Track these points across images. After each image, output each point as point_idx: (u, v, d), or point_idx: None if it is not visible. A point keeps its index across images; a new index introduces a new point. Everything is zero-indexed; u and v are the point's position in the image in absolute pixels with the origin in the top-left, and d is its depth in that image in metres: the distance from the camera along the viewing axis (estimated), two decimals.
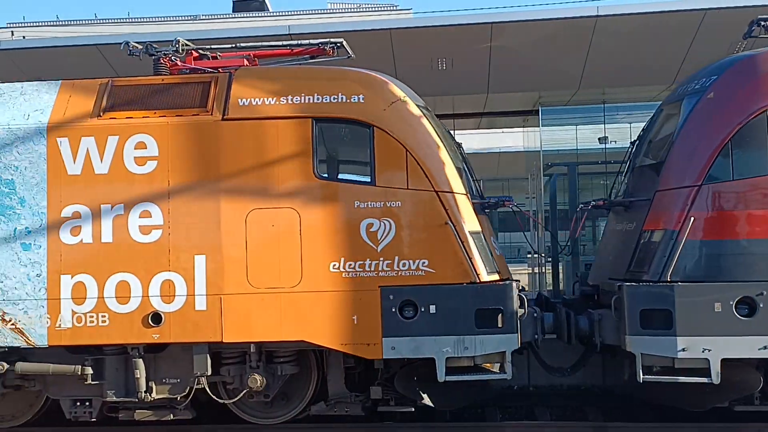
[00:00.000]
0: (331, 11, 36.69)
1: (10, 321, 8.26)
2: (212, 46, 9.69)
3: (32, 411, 9.06)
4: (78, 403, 8.67)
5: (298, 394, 8.84)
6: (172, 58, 9.29)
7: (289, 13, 35.54)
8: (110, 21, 34.61)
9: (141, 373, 8.33)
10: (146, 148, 8.33)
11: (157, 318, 8.16)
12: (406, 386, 8.44)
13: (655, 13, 15.36)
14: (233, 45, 9.74)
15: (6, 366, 8.38)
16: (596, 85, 16.20)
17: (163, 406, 8.65)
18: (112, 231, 8.28)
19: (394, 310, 8.02)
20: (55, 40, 19.72)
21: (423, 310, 8.00)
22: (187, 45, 9.45)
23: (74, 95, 8.67)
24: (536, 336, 8.43)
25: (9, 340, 8.27)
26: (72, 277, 8.25)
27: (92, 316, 8.21)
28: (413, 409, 8.66)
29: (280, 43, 9.89)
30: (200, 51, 9.57)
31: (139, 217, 8.27)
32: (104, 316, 8.20)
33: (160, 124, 8.36)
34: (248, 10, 37.67)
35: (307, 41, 9.75)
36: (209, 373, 8.33)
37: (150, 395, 8.42)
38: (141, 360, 8.34)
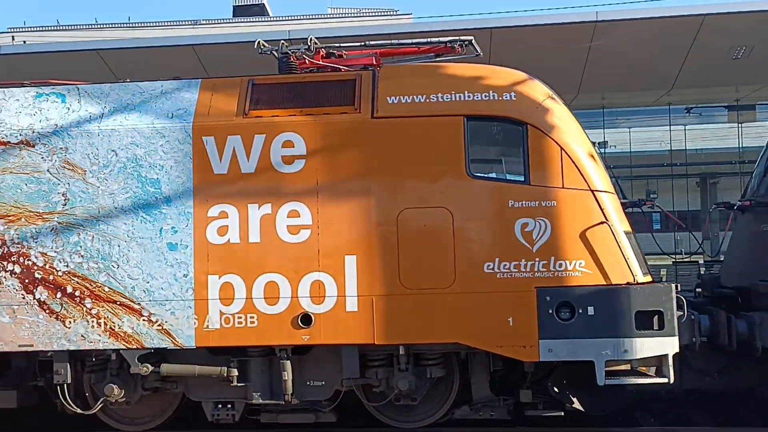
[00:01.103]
0: (332, 16, 36.59)
1: (156, 322, 8.17)
2: (341, 45, 9.58)
3: (167, 414, 8.96)
4: (220, 406, 8.56)
5: (437, 398, 8.67)
6: (303, 56, 9.21)
7: (290, 18, 35.46)
8: (110, 26, 34.74)
9: (288, 375, 8.21)
10: (294, 146, 8.22)
11: (306, 319, 8.03)
12: (559, 389, 8.26)
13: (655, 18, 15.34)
14: (362, 43, 9.63)
15: (150, 368, 8.29)
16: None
17: (305, 409, 8.52)
18: (260, 231, 8.17)
19: (550, 311, 7.84)
20: (56, 45, 19.89)
21: (581, 311, 7.81)
22: (316, 44, 9.36)
23: (216, 94, 8.58)
24: (693, 339, 8.22)
25: (156, 341, 8.18)
26: (219, 277, 8.14)
27: (240, 317, 8.10)
28: (563, 414, 8.48)
29: (407, 41, 9.77)
30: (329, 50, 9.47)
31: (288, 217, 8.16)
32: (253, 317, 8.09)
33: (307, 123, 8.25)
34: (248, 15, 37.66)
35: (436, 39, 9.63)
36: (358, 375, 8.19)
37: (295, 398, 8.30)
38: (289, 362, 8.22)
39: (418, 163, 8.09)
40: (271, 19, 36.60)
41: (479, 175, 8.11)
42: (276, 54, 9.12)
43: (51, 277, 8.26)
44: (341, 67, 9.00)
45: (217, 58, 16.98)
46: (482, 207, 8.01)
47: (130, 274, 8.22)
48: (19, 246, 8.30)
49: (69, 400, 8.50)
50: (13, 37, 31.36)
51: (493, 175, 8.33)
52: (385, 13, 36.22)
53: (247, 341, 8.15)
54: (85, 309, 8.21)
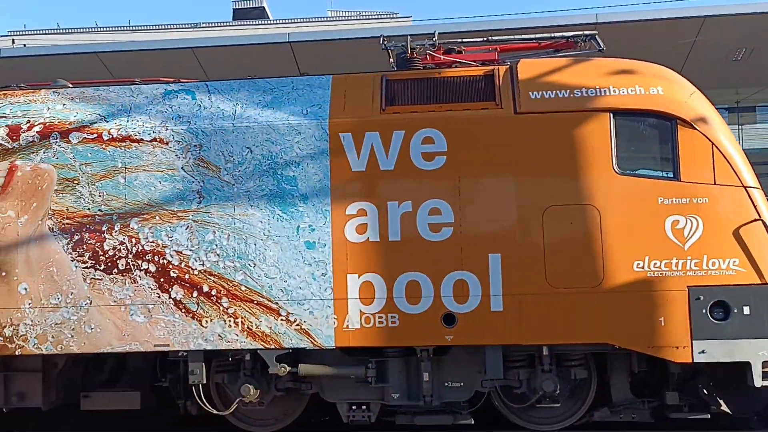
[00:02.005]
0: (332, 19, 36.40)
1: (295, 322, 8.04)
2: (463, 40, 9.42)
3: (293, 415, 8.83)
4: (354, 407, 8.41)
5: (574, 400, 8.48)
6: (427, 52, 9.07)
7: (290, 20, 35.24)
8: (110, 29, 34.68)
9: (428, 376, 8.05)
10: (434, 143, 8.06)
11: (450, 319, 7.87)
12: (708, 391, 8.06)
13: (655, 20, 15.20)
14: (484, 38, 9.47)
15: (288, 368, 8.15)
16: None
17: (442, 411, 8.35)
18: (400, 229, 8.01)
19: (704, 311, 7.63)
20: (56, 48, 19.86)
21: (736, 311, 7.60)
22: (438, 39, 9.21)
23: (349, 90, 8.44)
24: None
25: (294, 341, 8.05)
26: (359, 276, 8.00)
27: (381, 317, 7.95)
28: (709, 417, 8.26)
29: (528, 36, 9.60)
30: (448, 45, 9.33)
31: (429, 215, 8.00)
32: (394, 317, 7.93)
33: (447, 119, 8.09)
34: (248, 18, 37.51)
35: (559, 33, 9.46)
36: (502, 376, 8.02)
37: (434, 399, 8.14)
38: (429, 362, 8.06)
39: (564, 159, 7.91)
40: (271, 22, 36.36)
41: (627, 171, 7.92)
42: (405, 47, 8.97)
43: (187, 276, 8.15)
44: (470, 62, 8.84)
45: (217, 61, 17.00)
46: (631, 204, 7.81)
47: (267, 272, 8.09)
48: (153, 244, 8.20)
49: (204, 401, 8.38)
50: (13, 40, 31.30)
51: (642, 171, 8.12)
52: (385, 16, 36.00)
53: (389, 341, 7.99)
54: (221, 308, 8.09)
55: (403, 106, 8.23)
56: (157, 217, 8.22)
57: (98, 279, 8.16)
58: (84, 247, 8.19)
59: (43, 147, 8.34)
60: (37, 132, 8.39)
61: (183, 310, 8.13)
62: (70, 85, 8.87)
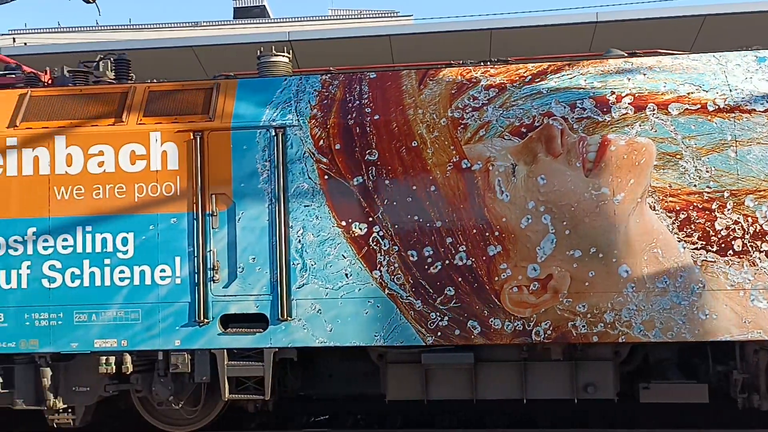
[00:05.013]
0: (332, 18, 36.37)
1: None
2: None
3: None
4: None
5: None
6: None
7: (290, 19, 35.20)
8: (111, 28, 34.66)
9: None
10: None
11: None
12: None
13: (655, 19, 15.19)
14: None
15: None
16: None
17: None
18: None
19: None
20: (57, 46, 19.84)
21: None
22: None
23: None
24: None
25: None
26: None
27: None
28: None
29: None
30: None
31: None
32: None
33: None
34: (249, 17, 37.49)
35: None
36: None
37: None
38: None
39: None
40: (272, 20, 36.32)
41: None
42: None
43: None
44: None
45: (218, 60, 16.99)
46: None
47: None
48: None
49: None
50: (14, 38, 31.22)
51: None
52: (386, 15, 35.98)
53: None
54: None
55: None
56: None
57: (710, 261, 7.48)
58: (692, 227, 7.51)
59: (639, 119, 7.66)
60: (629, 104, 7.74)
61: None
62: (626, 54, 8.21)
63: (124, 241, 7.82)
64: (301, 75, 8.25)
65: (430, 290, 7.52)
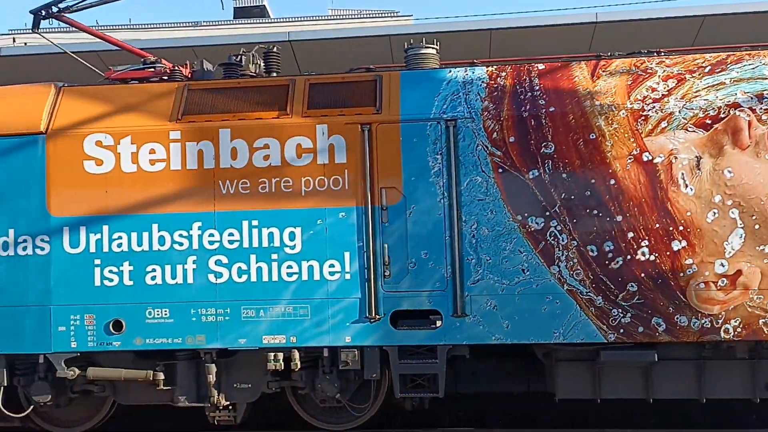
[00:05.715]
0: (332, 18, 36.19)
1: None
2: None
3: None
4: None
5: None
6: None
7: (290, 19, 35.03)
8: (111, 27, 34.62)
9: None
10: None
11: None
12: None
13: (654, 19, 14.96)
14: None
15: None
16: None
17: None
18: None
19: None
20: (57, 47, 19.74)
21: None
22: None
23: None
24: None
25: None
26: None
27: None
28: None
29: None
30: None
31: None
32: None
33: None
34: (249, 17, 37.31)
35: None
36: None
37: None
38: None
39: None
40: (272, 20, 36.22)
41: None
42: None
43: None
44: None
45: (218, 60, 16.76)
46: None
47: None
48: None
49: None
50: (14, 38, 31.32)
51: None
52: (386, 15, 35.78)
53: None
54: None
55: None
56: None
57: None
58: None
59: None
60: None
61: None
62: None
63: (291, 236, 7.70)
64: (462, 66, 8.08)
65: (612, 286, 7.35)
